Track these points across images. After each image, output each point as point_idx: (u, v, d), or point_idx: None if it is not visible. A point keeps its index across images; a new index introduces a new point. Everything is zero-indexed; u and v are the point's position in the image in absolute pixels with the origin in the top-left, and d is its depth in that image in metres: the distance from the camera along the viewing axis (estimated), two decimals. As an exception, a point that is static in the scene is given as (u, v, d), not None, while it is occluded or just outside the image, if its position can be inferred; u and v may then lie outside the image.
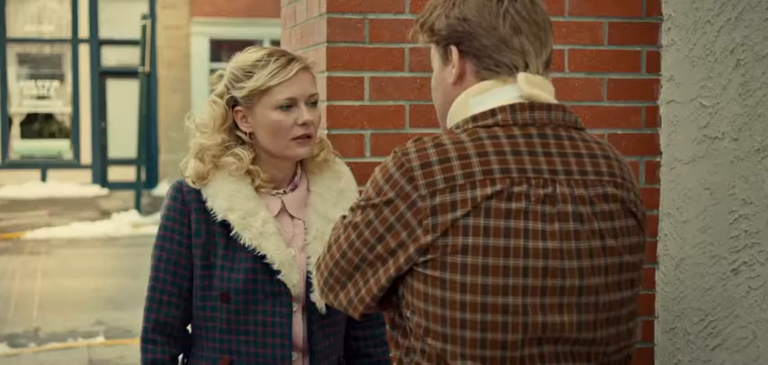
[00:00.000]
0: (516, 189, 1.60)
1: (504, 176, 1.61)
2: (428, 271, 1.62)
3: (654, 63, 3.00)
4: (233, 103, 2.25)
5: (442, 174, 1.61)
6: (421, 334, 1.65)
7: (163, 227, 2.26)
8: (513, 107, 1.67)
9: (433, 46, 1.78)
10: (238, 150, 2.25)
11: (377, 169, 1.71)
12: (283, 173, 2.30)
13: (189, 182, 2.26)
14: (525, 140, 1.66)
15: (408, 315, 1.67)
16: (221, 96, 2.27)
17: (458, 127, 1.69)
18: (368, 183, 1.71)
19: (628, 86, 3.01)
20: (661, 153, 2.99)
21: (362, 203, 1.70)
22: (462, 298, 1.60)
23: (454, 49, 1.72)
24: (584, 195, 1.65)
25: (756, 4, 2.53)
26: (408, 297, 1.66)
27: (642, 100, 3.02)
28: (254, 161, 2.26)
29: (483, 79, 1.70)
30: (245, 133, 2.26)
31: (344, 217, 1.76)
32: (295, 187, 2.32)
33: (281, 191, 2.30)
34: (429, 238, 1.61)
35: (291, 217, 2.30)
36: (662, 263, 2.98)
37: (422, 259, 1.62)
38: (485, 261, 1.59)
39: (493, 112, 1.67)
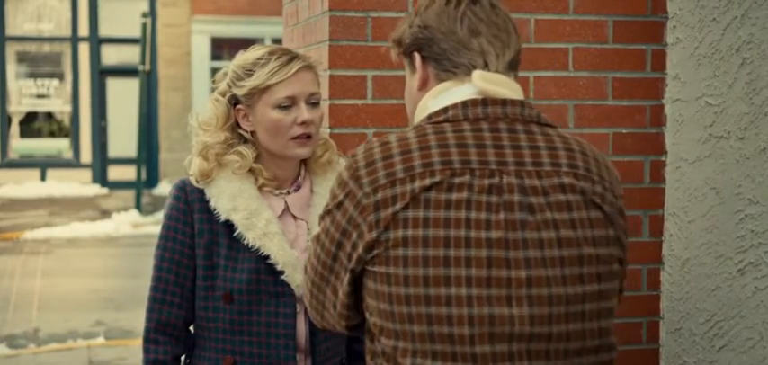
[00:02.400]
0: (458, 179, 1.61)
1: (445, 168, 1.61)
2: (375, 268, 1.63)
3: (659, 61, 2.98)
4: (234, 102, 2.24)
5: (384, 171, 1.63)
6: (377, 334, 1.66)
7: (165, 227, 2.25)
8: (464, 103, 1.69)
9: (403, 58, 1.81)
10: (241, 148, 2.24)
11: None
12: (286, 172, 2.29)
13: (193, 180, 2.25)
14: (473, 134, 1.66)
15: (368, 316, 1.68)
16: (223, 94, 2.26)
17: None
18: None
19: (633, 85, 2.99)
20: (666, 152, 2.97)
21: (323, 214, 1.73)
22: (406, 292, 1.60)
23: (417, 56, 1.75)
24: (537, 185, 1.63)
25: (763, 1, 2.51)
26: (365, 297, 1.67)
27: (647, 98, 3.00)
28: (256, 160, 2.25)
29: (442, 81, 1.72)
30: (247, 131, 2.24)
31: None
32: (298, 187, 2.31)
33: (284, 191, 2.29)
34: (373, 234, 1.61)
35: (294, 217, 2.28)
36: (667, 264, 2.96)
37: (369, 256, 1.63)
38: (425, 252, 1.59)
39: (445, 110, 1.69)
